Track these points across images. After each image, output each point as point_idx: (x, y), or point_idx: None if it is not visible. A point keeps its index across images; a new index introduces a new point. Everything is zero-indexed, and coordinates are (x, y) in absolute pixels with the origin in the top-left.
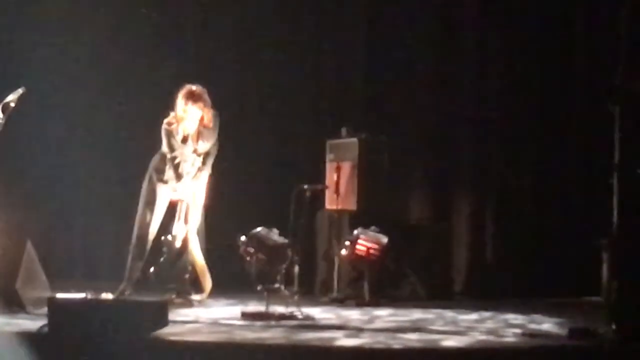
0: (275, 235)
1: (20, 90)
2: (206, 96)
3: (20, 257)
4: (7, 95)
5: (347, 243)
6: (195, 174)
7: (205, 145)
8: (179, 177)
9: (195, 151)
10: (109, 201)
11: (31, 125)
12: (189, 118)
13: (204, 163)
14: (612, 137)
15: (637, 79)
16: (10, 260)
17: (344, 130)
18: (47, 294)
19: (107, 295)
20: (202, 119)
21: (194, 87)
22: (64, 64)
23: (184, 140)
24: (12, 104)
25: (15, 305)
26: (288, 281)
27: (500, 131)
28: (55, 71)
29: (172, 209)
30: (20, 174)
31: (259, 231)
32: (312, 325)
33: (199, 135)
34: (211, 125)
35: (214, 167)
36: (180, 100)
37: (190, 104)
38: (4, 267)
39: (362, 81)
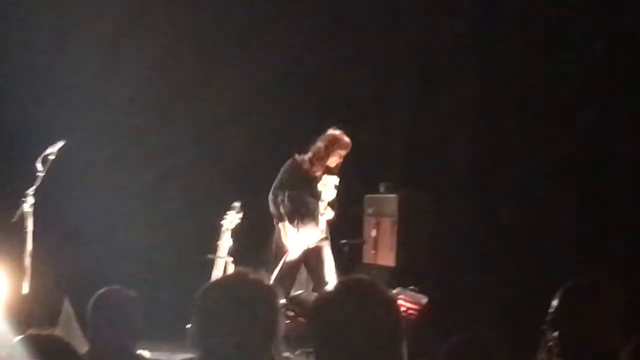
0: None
1: (60, 143)
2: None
3: (58, 313)
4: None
5: None
6: None
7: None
8: None
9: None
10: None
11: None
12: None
13: None
14: None
15: None
16: (48, 309)
17: (382, 186)
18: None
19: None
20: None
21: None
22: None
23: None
24: (52, 157)
25: None
26: None
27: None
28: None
29: None
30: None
31: (299, 294)
32: None
33: None
34: None
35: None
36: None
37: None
38: (44, 315)
39: (402, 137)
